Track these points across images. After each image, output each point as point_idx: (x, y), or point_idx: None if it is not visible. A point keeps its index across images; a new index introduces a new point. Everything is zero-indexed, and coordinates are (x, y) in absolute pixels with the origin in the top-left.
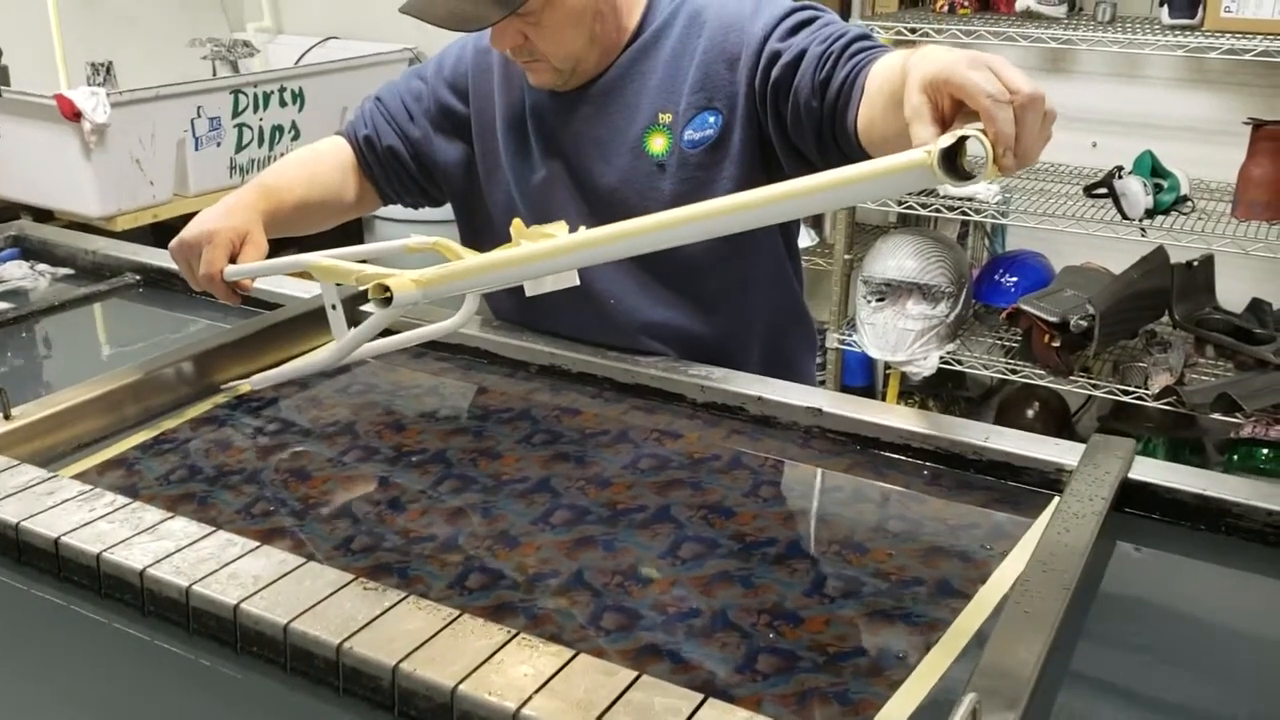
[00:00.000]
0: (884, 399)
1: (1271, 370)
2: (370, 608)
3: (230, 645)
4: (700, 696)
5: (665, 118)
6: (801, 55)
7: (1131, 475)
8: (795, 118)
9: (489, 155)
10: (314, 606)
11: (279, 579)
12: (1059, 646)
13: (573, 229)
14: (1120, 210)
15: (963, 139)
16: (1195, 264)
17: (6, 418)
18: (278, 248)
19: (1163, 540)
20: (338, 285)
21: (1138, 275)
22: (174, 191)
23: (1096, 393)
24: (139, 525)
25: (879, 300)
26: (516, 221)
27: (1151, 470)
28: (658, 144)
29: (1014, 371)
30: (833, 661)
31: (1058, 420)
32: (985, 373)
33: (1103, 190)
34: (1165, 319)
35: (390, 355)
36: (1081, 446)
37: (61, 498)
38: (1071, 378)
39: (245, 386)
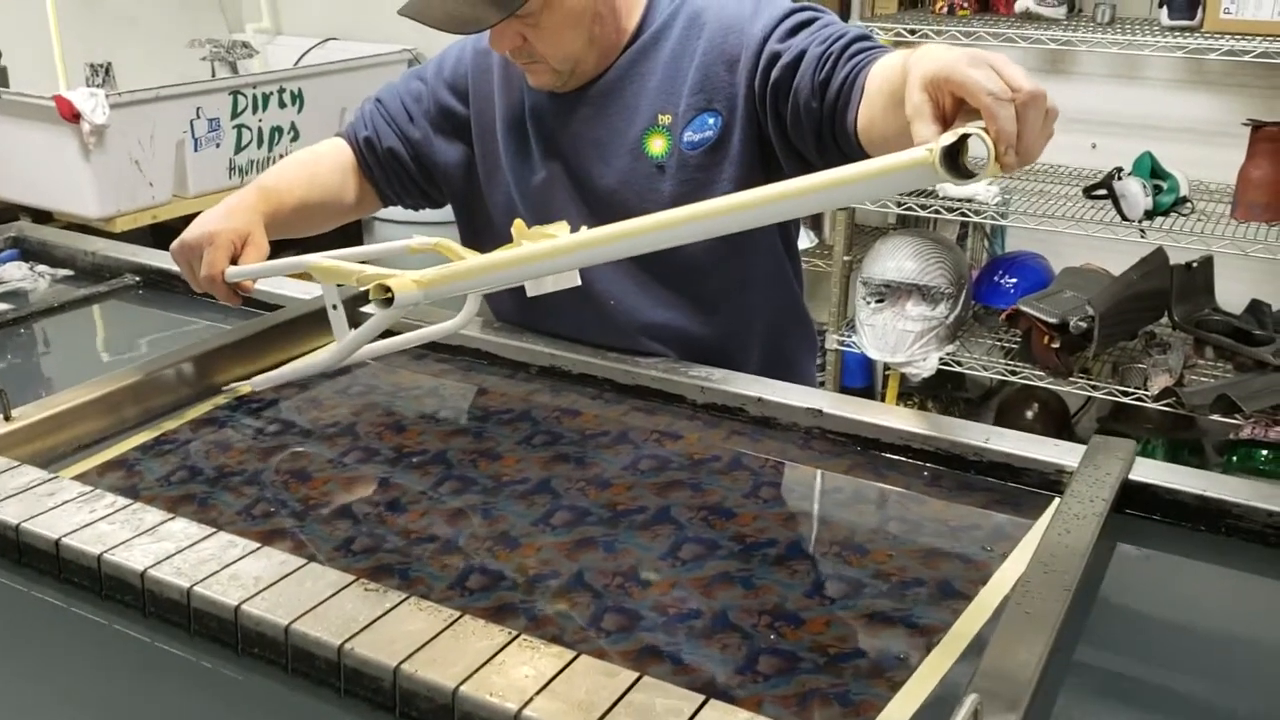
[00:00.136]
0: (883, 400)
1: (1271, 371)
2: (371, 609)
3: (231, 646)
4: (701, 698)
5: (665, 119)
6: (801, 56)
7: (1132, 476)
8: (795, 118)
9: (489, 156)
10: (315, 608)
11: (280, 580)
12: (1060, 648)
13: (573, 231)
14: (1120, 211)
15: (964, 137)
16: (1194, 265)
17: (7, 419)
18: (278, 249)
19: (1163, 541)
20: (339, 286)
21: (1137, 276)
22: (173, 193)
23: (1096, 394)
24: (140, 526)
25: (878, 301)
26: (518, 222)
27: (1152, 471)
28: (657, 145)
29: (1013, 373)
30: (834, 663)
31: (1057, 421)
32: (985, 374)
33: (1102, 191)
34: (1164, 320)
35: (390, 356)
36: (1082, 448)
37: (62, 499)
38: (1071, 379)
39: (246, 388)
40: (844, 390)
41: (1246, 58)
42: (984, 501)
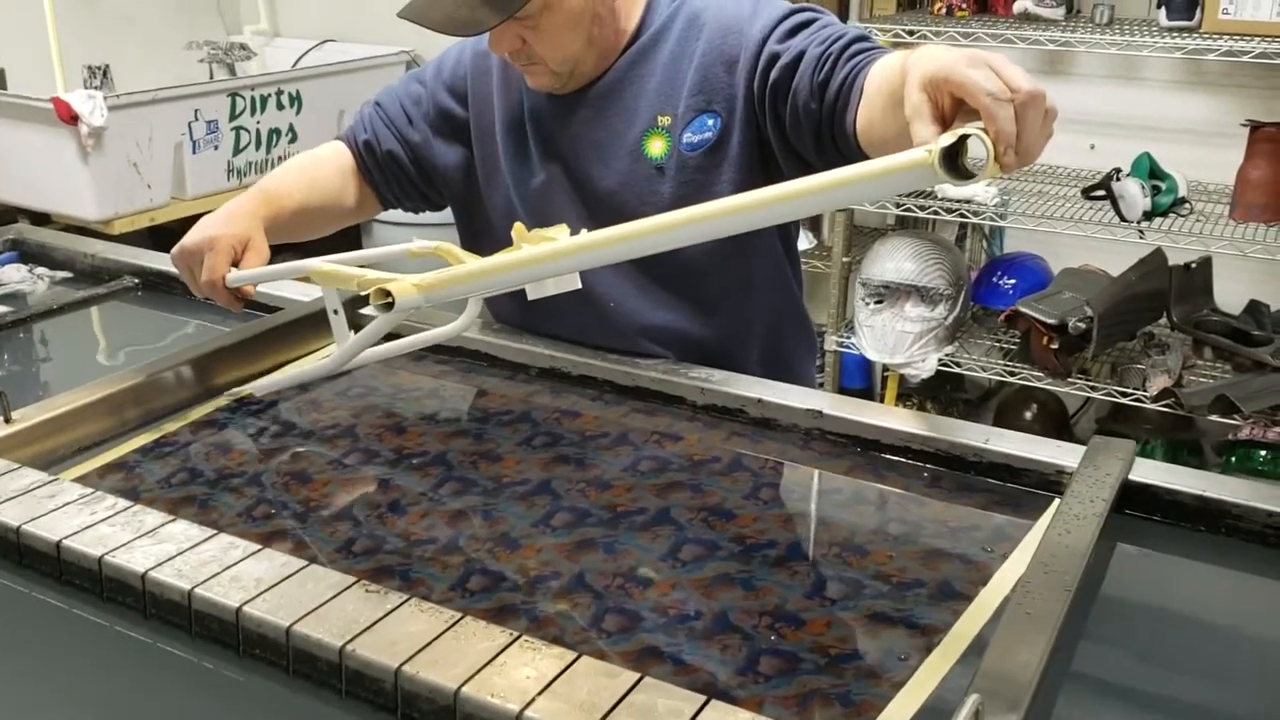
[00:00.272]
0: (882, 401)
1: (1269, 372)
2: (372, 610)
3: (232, 648)
4: (702, 698)
5: (664, 120)
6: (800, 57)
7: (1132, 477)
8: (794, 119)
9: (488, 158)
10: (316, 609)
11: (281, 582)
12: (1060, 648)
13: (573, 232)
14: (1118, 212)
15: (964, 138)
16: (1193, 266)
17: (7, 421)
18: (278, 253)
19: (1163, 542)
20: (339, 290)
21: (1136, 277)
22: (171, 195)
23: (1095, 395)
24: (140, 528)
25: (877, 303)
26: (518, 225)
27: (1152, 472)
28: (656, 147)
29: (1012, 373)
30: (834, 663)
31: (1056, 422)
32: (983, 375)
33: (1101, 192)
34: (1163, 321)
35: (390, 358)
36: (1081, 448)
37: (63, 501)
38: (1070, 380)
39: (248, 392)
40: (843, 391)
41: (1245, 58)
42: (984, 502)
